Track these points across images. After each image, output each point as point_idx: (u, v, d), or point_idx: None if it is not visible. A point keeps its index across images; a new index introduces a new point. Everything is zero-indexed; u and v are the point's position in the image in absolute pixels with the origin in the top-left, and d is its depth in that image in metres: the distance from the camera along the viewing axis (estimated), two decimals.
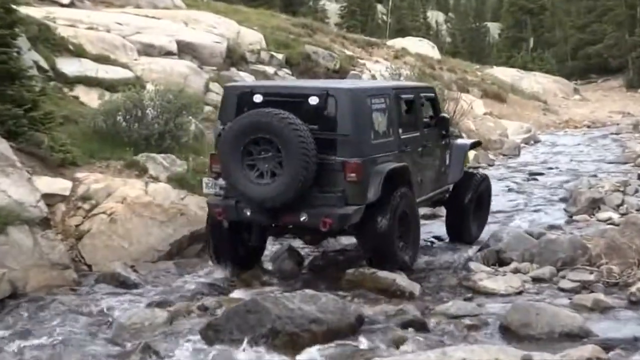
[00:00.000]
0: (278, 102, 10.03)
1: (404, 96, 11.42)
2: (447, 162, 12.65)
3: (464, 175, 12.97)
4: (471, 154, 20.41)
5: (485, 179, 13.44)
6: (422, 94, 12.20)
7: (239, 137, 9.83)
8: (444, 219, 13.30)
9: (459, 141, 13.57)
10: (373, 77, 27.18)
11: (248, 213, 10.10)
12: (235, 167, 9.89)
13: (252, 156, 9.88)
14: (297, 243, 12.21)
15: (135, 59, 18.87)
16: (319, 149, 9.72)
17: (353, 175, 9.81)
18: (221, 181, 10.35)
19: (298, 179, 9.59)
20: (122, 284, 10.19)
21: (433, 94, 12.92)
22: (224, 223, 10.48)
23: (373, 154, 10.17)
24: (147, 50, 19.70)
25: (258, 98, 10.18)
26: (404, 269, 10.40)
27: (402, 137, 10.98)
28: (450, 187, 12.84)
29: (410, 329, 8.33)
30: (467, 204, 12.75)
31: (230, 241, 10.76)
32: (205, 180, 10.79)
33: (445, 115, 13.37)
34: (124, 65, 17.78)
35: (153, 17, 22.68)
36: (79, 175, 12.40)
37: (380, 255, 10.28)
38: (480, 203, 13.18)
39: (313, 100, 9.98)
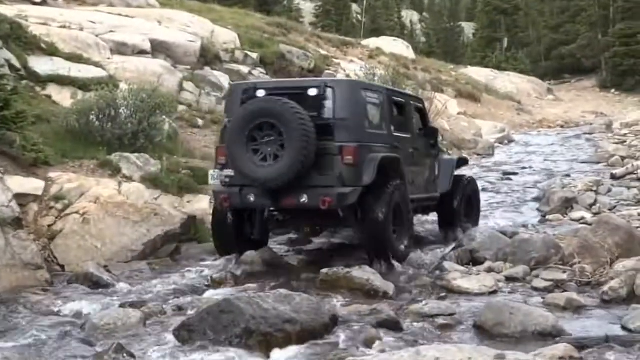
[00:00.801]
0: (280, 95, 10.71)
1: (395, 98, 12.26)
2: (437, 172, 13.44)
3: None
4: None
5: (470, 182, 14.24)
6: (412, 102, 13.08)
7: (244, 123, 10.50)
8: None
9: (447, 157, 14.69)
10: (348, 76, 27.19)
11: (252, 199, 10.75)
12: (241, 152, 10.50)
13: (256, 141, 10.50)
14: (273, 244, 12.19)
15: (109, 58, 18.79)
16: (318, 134, 10.37)
17: (349, 158, 10.48)
18: (226, 172, 10.90)
19: (299, 159, 10.23)
20: (95, 284, 10.13)
21: (422, 105, 13.71)
22: (229, 217, 11.22)
23: (367, 141, 10.89)
24: (121, 49, 19.62)
25: (261, 93, 10.94)
26: (400, 259, 11.01)
27: (394, 134, 11.76)
28: (438, 195, 13.38)
29: (384, 329, 8.31)
30: (457, 208, 13.54)
31: (234, 234, 11.38)
32: (211, 172, 11.36)
33: (434, 126, 14.23)
34: (97, 64, 17.70)
35: (126, 16, 22.59)
36: (52, 175, 12.34)
37: (378, 244, 10.84)
38: (470, 204, 13.98)
39: (312, 92, 10.77)
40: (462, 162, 15.08)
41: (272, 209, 11.47)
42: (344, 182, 10.52)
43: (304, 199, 10.48)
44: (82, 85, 16.22)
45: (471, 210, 14.08)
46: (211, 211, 11.92)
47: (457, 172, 14.17)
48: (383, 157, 10.90)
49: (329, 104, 10.74)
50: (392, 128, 11.75)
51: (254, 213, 11.68)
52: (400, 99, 12.49)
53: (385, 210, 10.74)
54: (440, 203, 13.47)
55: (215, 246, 11.77)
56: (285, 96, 10.62)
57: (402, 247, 11.24)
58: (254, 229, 11.68)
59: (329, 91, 10.76)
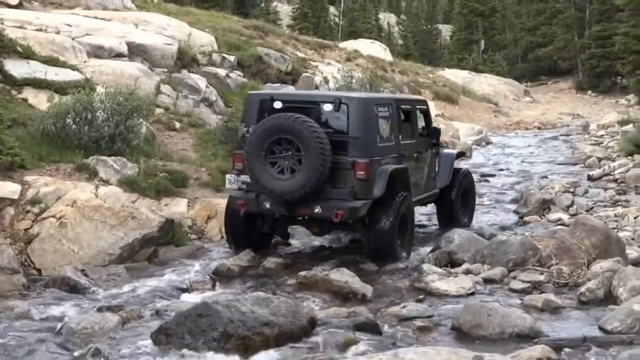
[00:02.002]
0: (296, 108, 11.33)
1: (403, 107, 12.80)
2: (437, 169, 14.03)
3: None
4: None
5: (467, 174, 14.91)
6: (417, 106, 13.64)
7: (264, 137, 11.06)
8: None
9: (446, 151, 15.13)
10: (325, 79, 27.18)
11: (267, 205, 11.39)
12: (259, 164, 11.12)
13: (274, 155, 11.13)
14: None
15: (85, 61, 18.68)
16: (332, 150, 10.96)
17: (362, 173, 11.10)
18: (243, 177, 11.59)
19: (315, 174, 10.84)
20: (73, 288, 10.05)
21: (426, 107, 14.24)
22: (241, 212, 11.72)
23: (378, 155, 11.50)
24: (97, 52, 19.51)
25: (278, 104, 11.49)
26: (401, 262, 11.55)
27: (401, 142, 12.32)
28: (438, 191, 14.01)
29: (363, 331, 8.33)
30: (454, 200, 14.20)
31: (246, 228, 12.04)
32: (228, 176, 11.98)
33: (437, 126, 14.74)
34: (74, 67, 17.56)
35: (103, 19, 22.44)
36: (28, 178, 12.27)
37: (382, 250, 11.47)
38: (466, 195, 14.66)
39: (327, 107, 11.38)
40: (460, 155, 15.86)
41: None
42: (355, 196, 11.12)
43: (318, 209, 11.11)
44: (58, 88, 16.09)
45: (467, 201, 14.74)
46: (224, 207, 12.33)
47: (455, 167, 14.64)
48: (392, 170, 11.51)
49: (343, 120, 11.32)
50: (400, 137, 12.30)
51: None
52: (407, 107, 13.04)
53: (392, 220, 11.34)
54: (439, 195, 14.07)
55: (227, 240, 12.35)
56: (301, 110, 11.26)
57: (404, 253, 11.81)
58: (264, 223, 12.22)
59: (343, 107, 11.30)
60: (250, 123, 11.60)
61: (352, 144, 11.22)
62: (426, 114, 14.08)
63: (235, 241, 12.14)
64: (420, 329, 8.55)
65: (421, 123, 13.72)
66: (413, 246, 12.47)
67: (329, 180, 11.05)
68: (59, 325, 8.59)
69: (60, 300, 9.56)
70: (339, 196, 11.13)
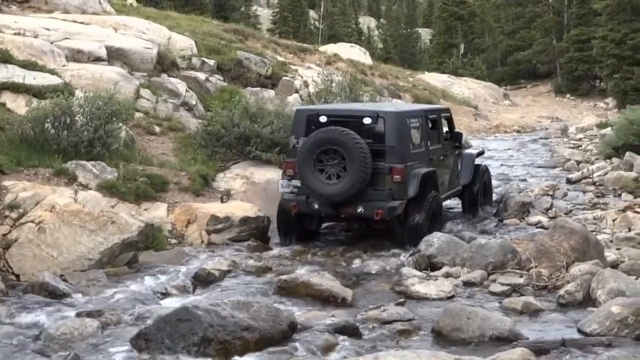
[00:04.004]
0: (339, 122, 12.88)
1: (430, 116, 14.42)
2: (460, 168, 15.80)
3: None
4: None
5: (487, 170, 16.98)
6: (442, 114, 15.42)
7: (313, 148, 12.64)
8: None
9: (467, 151, 16.94)
10: (305, 83, 27.14)
11: (316, 206, 12.95)
12: (309, 171, 12.70)
13: (322, 163, 12.68)
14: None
15: (64, 65, 18.57)
16: (372, 157, 12.46)
17: (398, 177, 12.67)
18: (294, 182, 13.14)
19: (359, 179, 12.40)
20: (51, 293, 9.99)
21: (449, 114, 16.07)
22: (292, 213, 13.21)
23: (411, 161, 13.03)
24: (76, 56, 19.41)
25: (323, 119, 13.06)
26: None
27: (430, 148, 13.95)
28: (461, 188, 15.83)
29: (343, 335, 8.34)
30: (477, 193, 16.01)
31: (296, 226, 13.58)
32: (280, 181, 13.52)
33: (459, 131, 16.58)
34: (52, 72, 17.47)
35: (82, 23, 22.33)
36: (7, 183, 12.21)
37: (415, 242, 12.34)
38: (486, 188, 16.71)
39: (367, 120, 12.97)
40: (480, 154, 17.48)
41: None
42: (393, 197, 12.70)
43: (360, 209, 12.63)
44: (37, 92, 15.98)
45: (487, 193, 16.80)
46: (276, 209, 13.66)
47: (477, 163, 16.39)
48: (424, 173, 13.05)
49: (380, 131, 12.89)
50: (429, 143, 13.90)
51: None
52: (433, 116, 14.67)
53: (424, 216, 12.94)
54: (462, 190, 15.90)
55: (279, 235, 13.69)
56: (344, 123, 12.80)
57: None
58: (311, 221, 13.91)
59: (380, 120, 12.95)
60: (299, 135, 13.21)
61: (389, 152, 12.75)
62: (449, 120, 15.86)
63: (287, 237, 13.56)
64: (401, 332, 8.56)
65: (445, 128, 15.35)
66: (393, 249, 12.55)
67: (370, 184, 12.57)
68: (38, 331, 8.56)
69: (39, 306, 9.51)
70: (379, 197, 12.69)
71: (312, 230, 14.04)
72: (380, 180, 12.73)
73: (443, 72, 61.59)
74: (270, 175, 15.96)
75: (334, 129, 12.64)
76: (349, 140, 12.43)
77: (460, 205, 16.33)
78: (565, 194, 17.78)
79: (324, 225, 14.49)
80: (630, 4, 49.71)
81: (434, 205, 13.37)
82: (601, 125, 32.69)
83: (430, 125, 14.28)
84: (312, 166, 12.66)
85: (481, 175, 16.30)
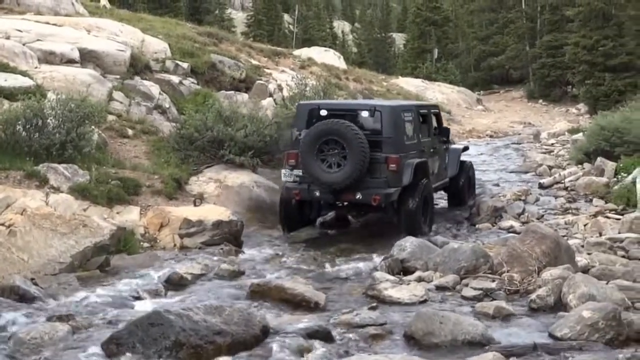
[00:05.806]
0: (339, 115, 13.97)
1: (421, 111, 15.61)
2: (447, 161, 17.01)
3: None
4: None
5: (471, 166, 18.44)
6: (431, 110, 16.65)
7: (315, 139, 13.66)
8: None
9: (453, 146, 18.27)
10: (279, 87, 27.12)
11: (317, 193, 14.04)
12: (311, 161, 13.69)
13: (324, 153, 13.70)
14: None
15: (36, 67, 18.45)
16: (370, 148, 13.46)
17: (393, 166, 13.72)
18: (296, 171, 14.13)
19: (358, 168, 13.39)
20: (22, 297, 9.88)
21: (438, 111, 17.31)
22: (293, 201, 14.39)
23: (406, 151, 14.08)
24: (49, 58, 19.28)
25: (324, 112, 14.10)
26: (424, 235, 13.51)
27: (421, 140, 15.04)
28: (448, 180, 17.01)
29: (316, 339, 8.31)
30: (462, 186, 17.51)
31: (297, 214, 14.79)
32: (283, 171, 14.45)
33: (447, 127, 18.02)
34: (24, 74, 17.33)
35: (54, 24, 22.18)
36: None
37: (410, 226, 13.81)
38: (470, 182, 18.16)
39: (365, 114, 14.12)
40: (465, 149, 18.81)
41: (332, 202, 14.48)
42: (389, 184, 13.78)
43: (359, 196, 13.68)
44: (8, 94, 15.85)
45: (470, 187, 18.22)
46: (278, 199, 14.80)
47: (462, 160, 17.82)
48: (416, 163, 14.13)
49: (377, 124, 13.97)
50: (420, 136, 14.95)
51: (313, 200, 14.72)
52: (424, 111, 15.89)
53: (417, 201, 13.96)
54: (449, 184, 17.11)
55: (280, 224, 14.74)
56: (343, 116, 13.87)
57: (427, 229, 14.40)
58: (311, 211, 15.25)
59: (377, 114, 14.03)
60: (301, 127, 14.25)
61: (386, 142, 13.82)
62: (438, 116, 16.96)
63: (288, 224, 14.67)
64: (373, 337, 8.56)
65: (434, 124, 16.40)
66: (366, 253, 12.57)
67: (367, 172, 13.55)
68: (8, 335, 8.47)
69: (9, 310, 9.39)
70: (376, 185, 13.74)
71: (312, 219, 15.25)
72: (377, 169, 13.71)
73: (417, 77, 61.71)
74: (243, 179, 15.95)
75: (335, 121, 13.67)
76: (349, 132, 13.39)
77: (439, 205, 17.08)
78: (538, 199, 17.89)
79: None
80: (602, 11, 50.16)
81: (426, 192, 14.38)
82: (573, 131, 32.96)
83: (421, 119, 15.31)
84: (315, 156, 13.64)
85: (467, 169, 17.82)
